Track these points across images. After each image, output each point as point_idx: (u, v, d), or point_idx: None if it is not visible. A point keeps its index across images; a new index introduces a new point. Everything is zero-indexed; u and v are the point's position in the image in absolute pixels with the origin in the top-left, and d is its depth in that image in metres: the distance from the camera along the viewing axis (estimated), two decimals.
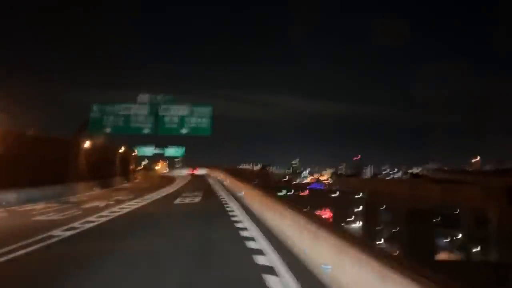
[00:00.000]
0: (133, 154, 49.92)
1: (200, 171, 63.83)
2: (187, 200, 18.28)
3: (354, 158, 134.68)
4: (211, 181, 40.85)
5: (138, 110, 25.24)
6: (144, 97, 25.38)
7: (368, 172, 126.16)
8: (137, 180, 45.68)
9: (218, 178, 43.21)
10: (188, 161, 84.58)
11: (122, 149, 37.61)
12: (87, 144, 26.80)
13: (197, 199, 18.78)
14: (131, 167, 49.04)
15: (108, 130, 25.10)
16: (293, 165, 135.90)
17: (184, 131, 25.62)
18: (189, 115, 25.67)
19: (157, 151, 74.34)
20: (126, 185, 35.40)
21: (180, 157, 73.11)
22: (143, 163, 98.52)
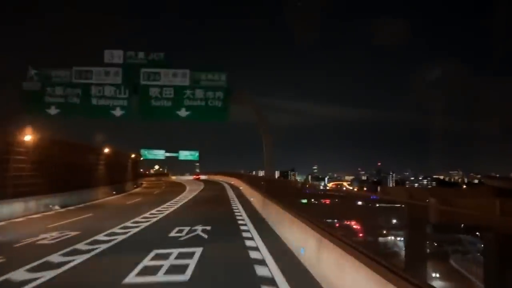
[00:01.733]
0: (133, 156, 39.73)
1: (202, 177, 69.55)
2: (161, 272, 6.77)
3: (378, 164, 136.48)
4: (229, 193, 30.00)
5: (106, 77, 14.73)
6: (115, 54, 14.85)
7: (391, 178, 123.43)
8: (136, 190, 35.51)
9: (241, 188, 32.52)
10: (203, 165, 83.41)
11: (107, 150, 27.34)
12: (29, 137, 16.46)
13: (191, 264, 7.39)
14: (131, 173, 38.95)
15: (54, 110, 14.69)
16: (314, 171, 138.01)
17: (183, 113, 14.85)
18: (192, 86, 14.95)
19: (170, 154, 67.01)
20: (110, 198, 25.18)
21: (195, 160, 67.09)
22: (156, 167, 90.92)
